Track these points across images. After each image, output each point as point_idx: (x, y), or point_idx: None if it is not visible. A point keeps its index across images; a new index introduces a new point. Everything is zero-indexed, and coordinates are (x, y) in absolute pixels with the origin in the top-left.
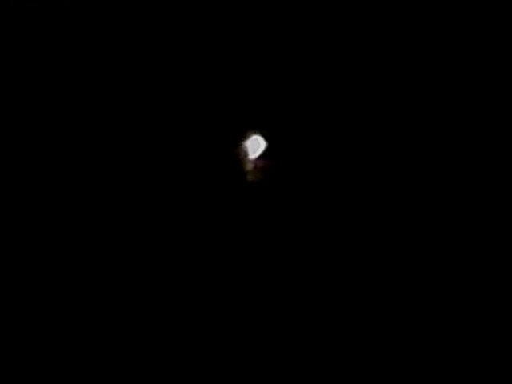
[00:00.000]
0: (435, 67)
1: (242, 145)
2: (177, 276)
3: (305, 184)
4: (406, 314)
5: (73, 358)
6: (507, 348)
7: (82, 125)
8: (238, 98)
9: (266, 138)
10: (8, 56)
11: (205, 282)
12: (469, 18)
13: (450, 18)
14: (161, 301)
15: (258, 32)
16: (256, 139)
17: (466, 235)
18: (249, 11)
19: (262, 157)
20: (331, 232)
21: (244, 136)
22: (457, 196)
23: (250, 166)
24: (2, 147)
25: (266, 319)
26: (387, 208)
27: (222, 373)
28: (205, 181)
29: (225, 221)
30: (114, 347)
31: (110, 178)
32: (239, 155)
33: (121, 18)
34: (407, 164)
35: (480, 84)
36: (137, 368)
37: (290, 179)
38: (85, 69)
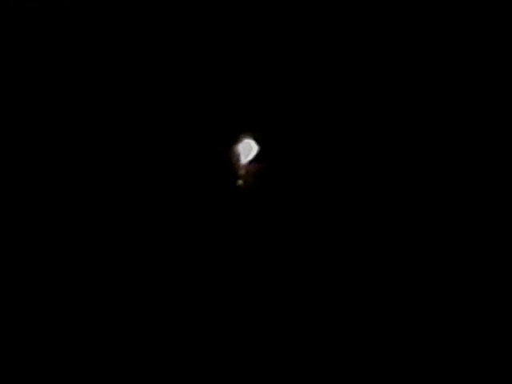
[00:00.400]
0: (434, 67)
1: (234, 148)
2: (169, 278)
3: (297, 188)
4: (405, 313)
5: (73, 358)
6: (507, 348)
7: (74, 123)
8: (231, 102)
9: (258, 142)
10: (8, 56)
11: (197, 285)
12: (469, 18)
13: (450, 18)
14: (150, 303)
15: (250, 39)
16: (248, 143)
17: (466, 235)
18: (239, 19)
19: (254, 160)
20: (323, 235)
21: (236, 140)
22: (456, 196)
23: (242, 170)
24: (1, 147)
25: (257, 321)
26: (379, 211)
27: (220, 373)
28: (197, 184)
29: (217, 224)
30: (113, 347)
31: (101, 178)
32: (232, 159)
33: (117, 18)
34: (399, 166)
35: (480, 84)
36: (137, 368)
37: (282, 183)
38: (81, 68)
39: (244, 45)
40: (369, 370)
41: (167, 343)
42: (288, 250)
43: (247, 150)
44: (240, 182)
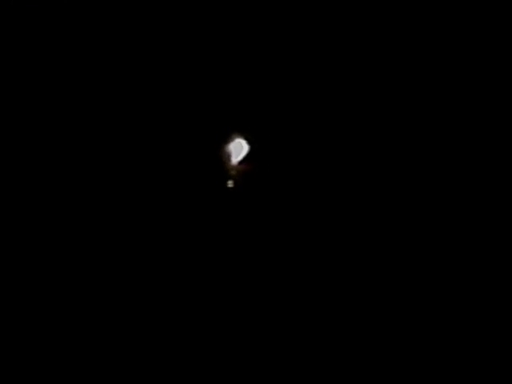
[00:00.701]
0: (433, 67)
1: (225, 148)
2: (158, 276)
3: (287, 188)
4: (402, 313)
5: (73, 358)
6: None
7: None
8: (222, 102)
9: (249, 142)
10: (8, 56)
11: (187, 284)
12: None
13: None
14: (138, 301)
15: (240, 39)
16: (239, 143)
17: (466, 235)
18: (228, 24)
19: (245, 160)
20: (314, 235)
21: (227, 140)
22: (456, 196)
23: (232, 170)
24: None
25: (245, 321)
26: (372, 209)
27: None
28: (187, 184)
29: (207, 224)
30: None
31: (89, 177)
32: (222, 159)
33: (111, 17)
34: (390, 166)
35: (480, 84)
36: (136, 368)
37: (273, 183)
38: (75, 65)
39: (234, 46)
40: (369, 370)
41: (159, 342)
42: (278, 249)
43: (238, 149)
44: (230, 182)
